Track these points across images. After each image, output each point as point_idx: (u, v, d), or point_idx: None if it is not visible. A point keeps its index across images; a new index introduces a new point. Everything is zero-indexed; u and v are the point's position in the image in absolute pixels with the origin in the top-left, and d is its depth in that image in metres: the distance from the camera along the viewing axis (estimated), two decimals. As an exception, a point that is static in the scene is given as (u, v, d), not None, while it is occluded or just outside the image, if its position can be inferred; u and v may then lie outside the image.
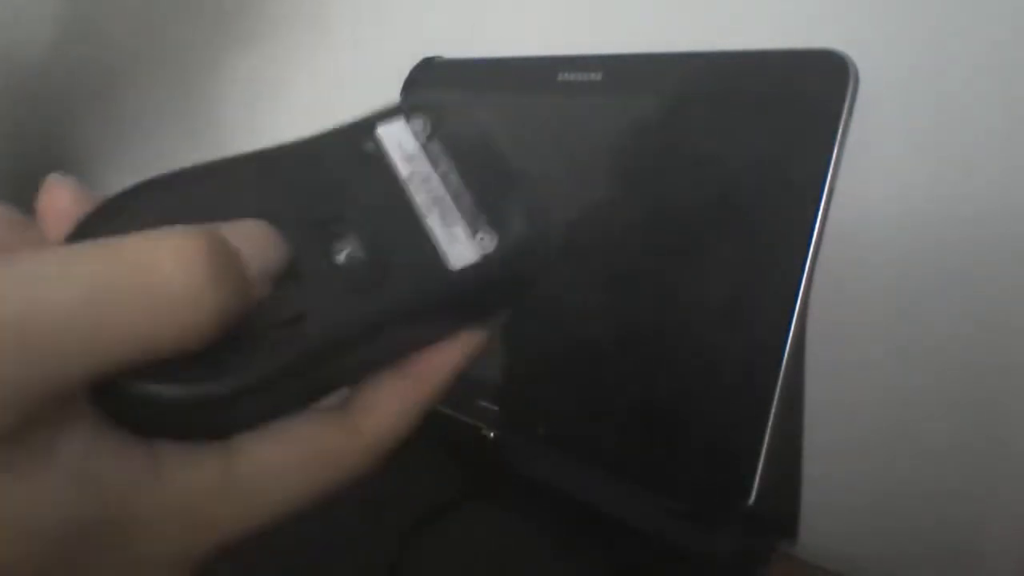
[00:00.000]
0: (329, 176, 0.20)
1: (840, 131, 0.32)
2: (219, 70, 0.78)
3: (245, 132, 0.76)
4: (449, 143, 0.21)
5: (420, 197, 0.20)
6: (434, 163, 0.21)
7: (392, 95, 0.52)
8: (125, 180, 0.19)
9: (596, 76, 0.41)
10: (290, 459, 0.19)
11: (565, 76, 0.43)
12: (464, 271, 0.20)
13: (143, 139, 0.88)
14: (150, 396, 0.16)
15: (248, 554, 0.35)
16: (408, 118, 0.21)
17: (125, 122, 0.92)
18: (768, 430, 0.31)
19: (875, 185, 0.38)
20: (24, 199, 0.19)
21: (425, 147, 0.21)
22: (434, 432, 0.44)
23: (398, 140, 0.21)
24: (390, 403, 0.20)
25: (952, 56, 0.36)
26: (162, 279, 0.15)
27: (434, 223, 0.20)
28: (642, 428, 0.35)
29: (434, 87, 0.50)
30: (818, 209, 0.32)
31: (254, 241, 0.18)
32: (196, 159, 0.20)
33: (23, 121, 1.00)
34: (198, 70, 0.81)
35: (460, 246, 0.20)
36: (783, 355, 0.31)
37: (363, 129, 0.21)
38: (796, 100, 0.34)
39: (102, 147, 0.95)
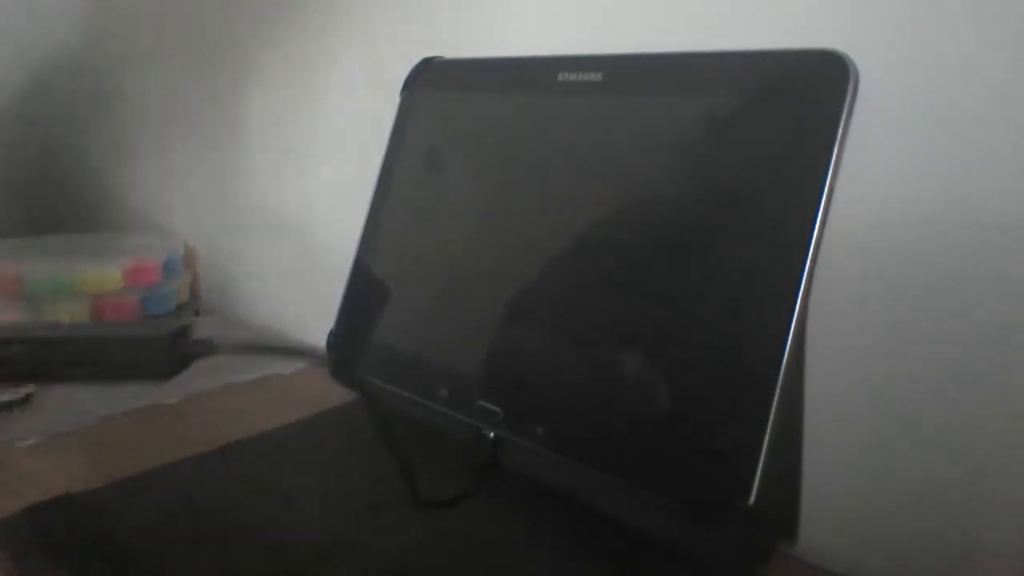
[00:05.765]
0: None
1: (840, 131, 0.32)
2: (217, 68, 0.78)
3: (242, 129, 0.76)
4: None
5: None
6: None
7: (392, 94, 0.52)
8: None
9: (596, 76, 0.41)
10: None
11: (565, 76, 0.43)
12: None
13: (161, 140, 0.89)
14: None
15: (248, 553, 0.35)
16: None
17: (144, 123, 0.92)
18: (768, 430, 0.31)
19: (875, 185, 0.38)
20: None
21: None
22: (434, 432, 0.44)
23: None
24: None
25: (952, 56, 0.36)
26: None
27: None
28: (642, 428, 0.35)
29: (434, 87, 0.50)
30: (818, 209, 0.32)
31: None
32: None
33: (38, 120, 1.00)
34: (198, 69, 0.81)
35: None
36: (783, 355, 0.31)
37: None
38: (796, 100, 0.34)
39: (118, 145, 0.95)
